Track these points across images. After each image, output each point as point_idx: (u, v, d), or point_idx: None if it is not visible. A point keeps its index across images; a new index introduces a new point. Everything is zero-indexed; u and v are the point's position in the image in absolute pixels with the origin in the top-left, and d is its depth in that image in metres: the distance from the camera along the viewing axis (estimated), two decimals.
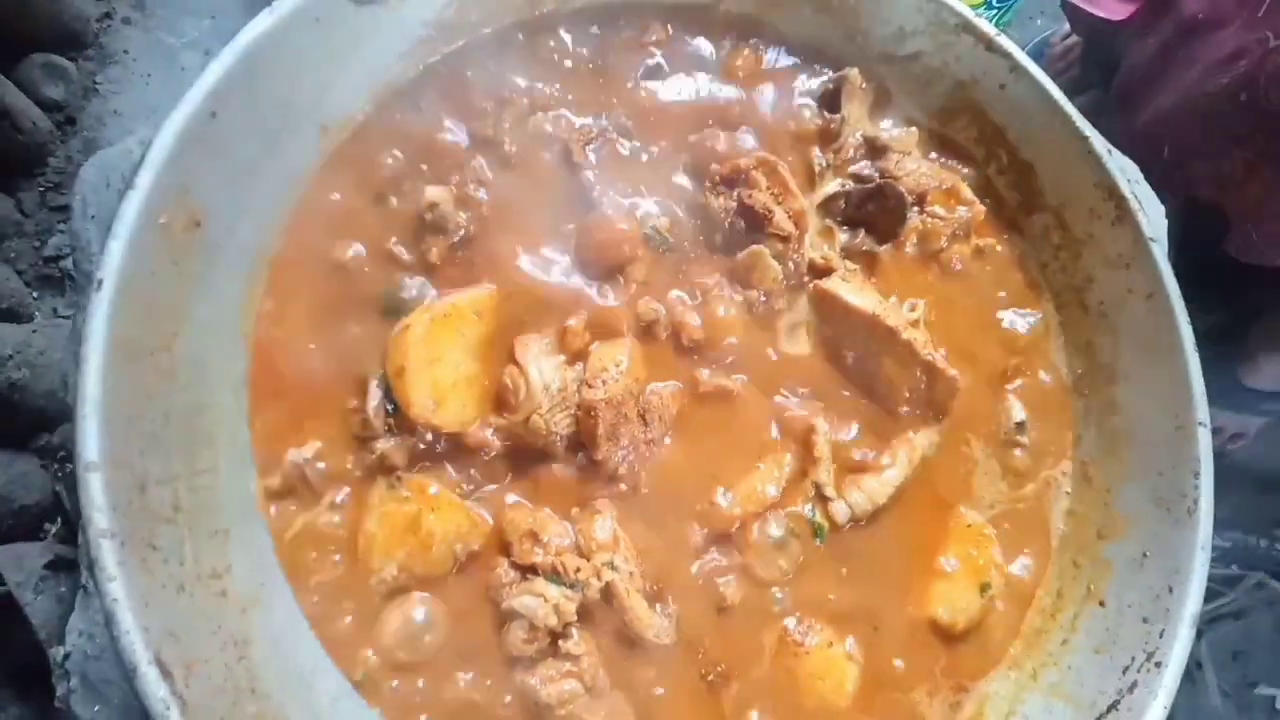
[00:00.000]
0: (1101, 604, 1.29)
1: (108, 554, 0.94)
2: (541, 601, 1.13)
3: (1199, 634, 1.16)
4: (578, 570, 1.14)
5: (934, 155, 1.53)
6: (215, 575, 1.10)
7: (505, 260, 1.31)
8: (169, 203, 1.08)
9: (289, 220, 1.27)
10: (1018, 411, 1.40)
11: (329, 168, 1.30)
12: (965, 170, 1.53)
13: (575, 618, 1.12)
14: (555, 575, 1.14)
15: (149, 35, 2.74)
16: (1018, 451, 1.40)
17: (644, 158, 1.40)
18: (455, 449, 1.21)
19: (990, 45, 1.44)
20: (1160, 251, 1.34)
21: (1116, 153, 1.41)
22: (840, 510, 1.28)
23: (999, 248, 1.50)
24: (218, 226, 1.16)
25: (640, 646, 1.18)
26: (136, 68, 2.49)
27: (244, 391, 1.21)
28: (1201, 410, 1.27)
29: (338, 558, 1.19)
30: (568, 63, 1.43)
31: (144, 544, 1.00)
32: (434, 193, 1.28)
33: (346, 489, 1.20)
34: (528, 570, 1.15)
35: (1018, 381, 1.43)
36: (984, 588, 1.30)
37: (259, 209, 1.22)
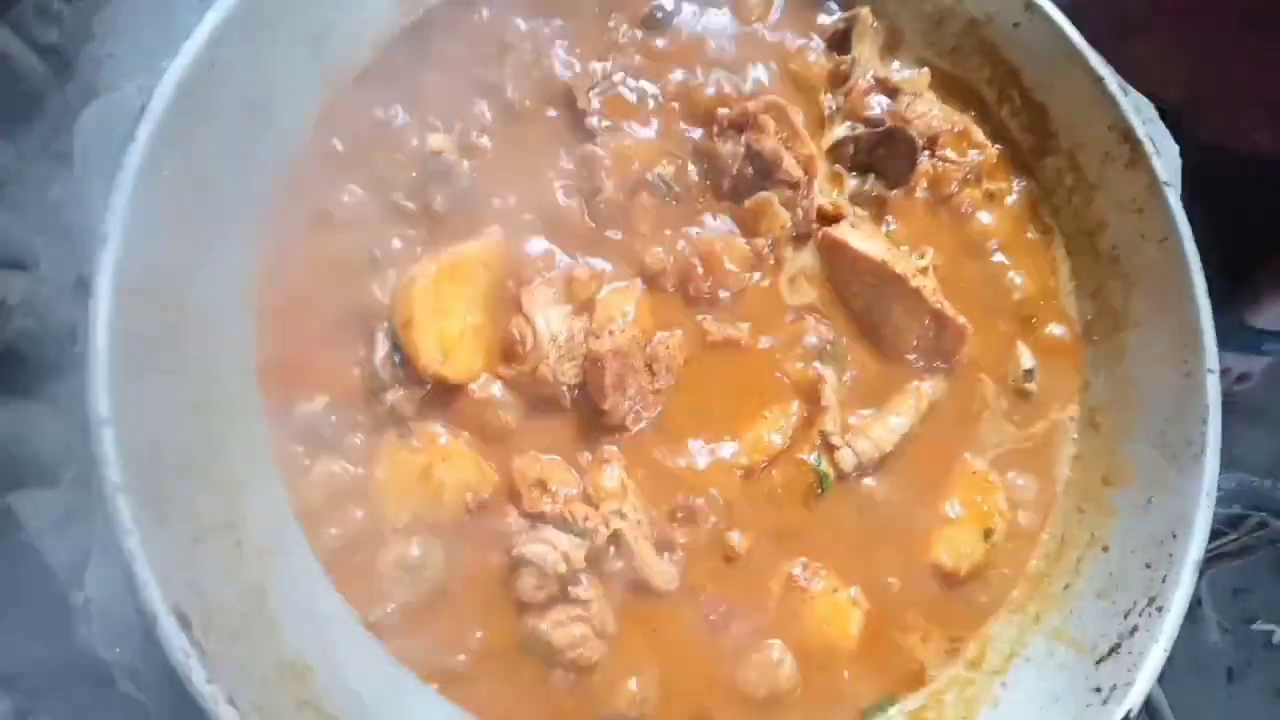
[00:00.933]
0: (1105, 549, 1.30)
1: (123, 508, 0.95)
2: (551, 549, 1.15)
3: (1199, 572, 1.17)
4: (586, 518, 1.14)
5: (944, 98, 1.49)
6: (230, 525, 1.11)
7: (511, 209, 1.29)
8: (171, 156, 1.07)
9: (291, 171, 1.25)
10: (1026, 358, 1.39)
11: (329, 116, 1.28)
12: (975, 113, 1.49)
13: (584, 565, 1.13)
14: (564, 523, 1.14)
15: None
16: (1026, 398, 1.39)
17: (650, 103, 1.37)
18: (463, 399, 1.22)
19: None
20: (1174, 196, 1.32)
21: (1133, 92, 1.37)
22: (847, 458, 1.28)
23: (1010, 193, 1.47)
24: (221, 178, 1.15)
25: (648, 591, 1.20)
26: (131, 7, 2.43)
27: (252, 341, 1.22)
28: (1211, 357, 1.26)
29: (351, 507, 1.20)
30: (573, 3, 1.38)
31: (159, 496, 1.01)
32: (436, 140, 1.26)
33: (358, 438, 1.21)
34: (537, 519, 1.16)
35: (1027, 328, 1.42)
36: (988, 533, 1.32)
37: (260, 159, 1.21)
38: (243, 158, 1.18)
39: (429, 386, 1.20)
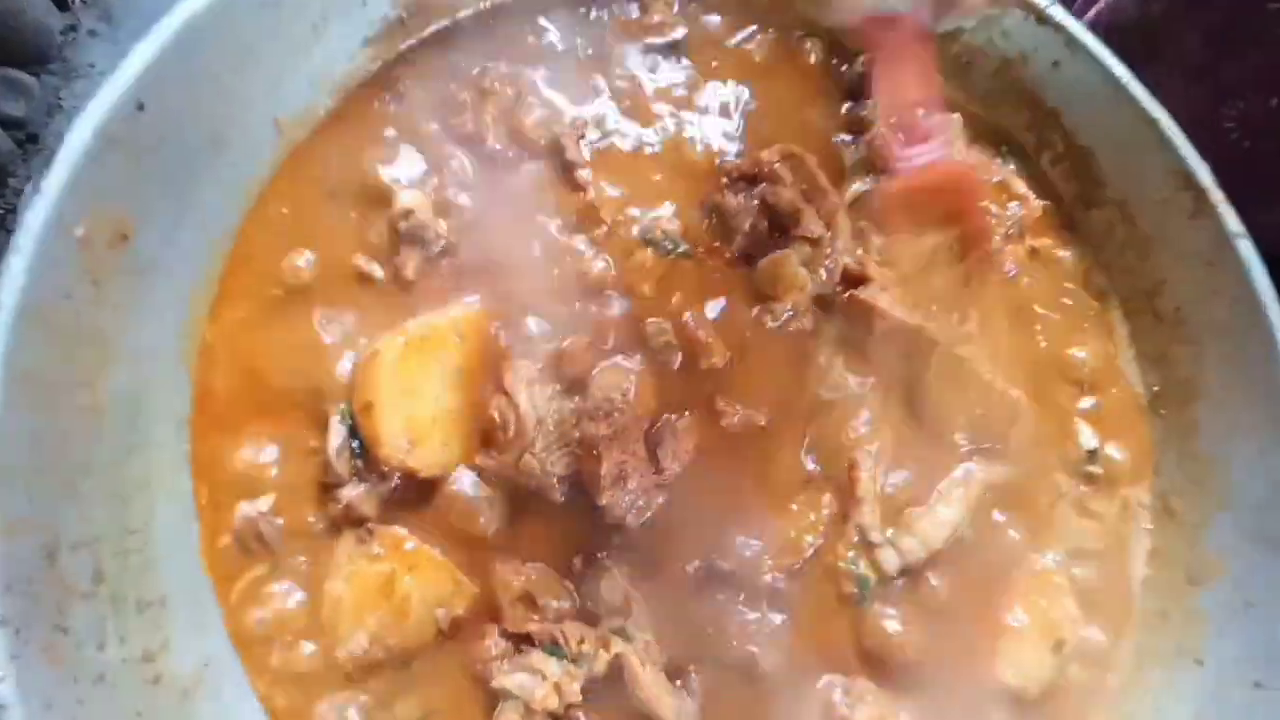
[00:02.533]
0: (1198, 662, 1.10)
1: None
2: (539, 679, 0.97)
3: None
4: (581, 641, 1.00)
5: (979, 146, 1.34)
6: (147, 658, 0.93)
7: (491, 274, 1.14)
8: (86, 211, 0.91)
9: (238, 232, 1.11)
10: (1088, 438, 1.22)
11: (285, 170, 1.14)
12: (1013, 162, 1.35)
13: (580, 697, 0.98)
14: (555, 646, 0.99)
15: (116, 48, 2.56)
16: (1089, 485, 1.21)
17: (647, 150, 1.22)
18: (434, 496, 1.04)
19: (1041, 18, 1.27)
20: (1248, 248, 1.16)
21: None
22: (889, 558, 1.10)
23: (1057, 249, 1.31)
24: (150, 239, 1.00)
25: None
26: (103, 82, 2.30)
27: (186, 428, 1.05)
28: None
29: (298, 628, 1.02)
30: (559, 47, 1.25)
31: (50, 627, 0.83)
32: (408, 198, 1.12)
33: (308, 546, 1.04)
34: (522, 640, 1.01)
35: (1086, 402, 1.24)
36: (1058, 645, 1.12)
37: (201, 219, 1.06)
38: (179, 216, 1.03)
39: (394, 481, 1.04)
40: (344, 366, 1.08)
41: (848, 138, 1.30)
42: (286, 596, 1.02)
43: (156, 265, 1.01)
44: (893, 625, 1.10)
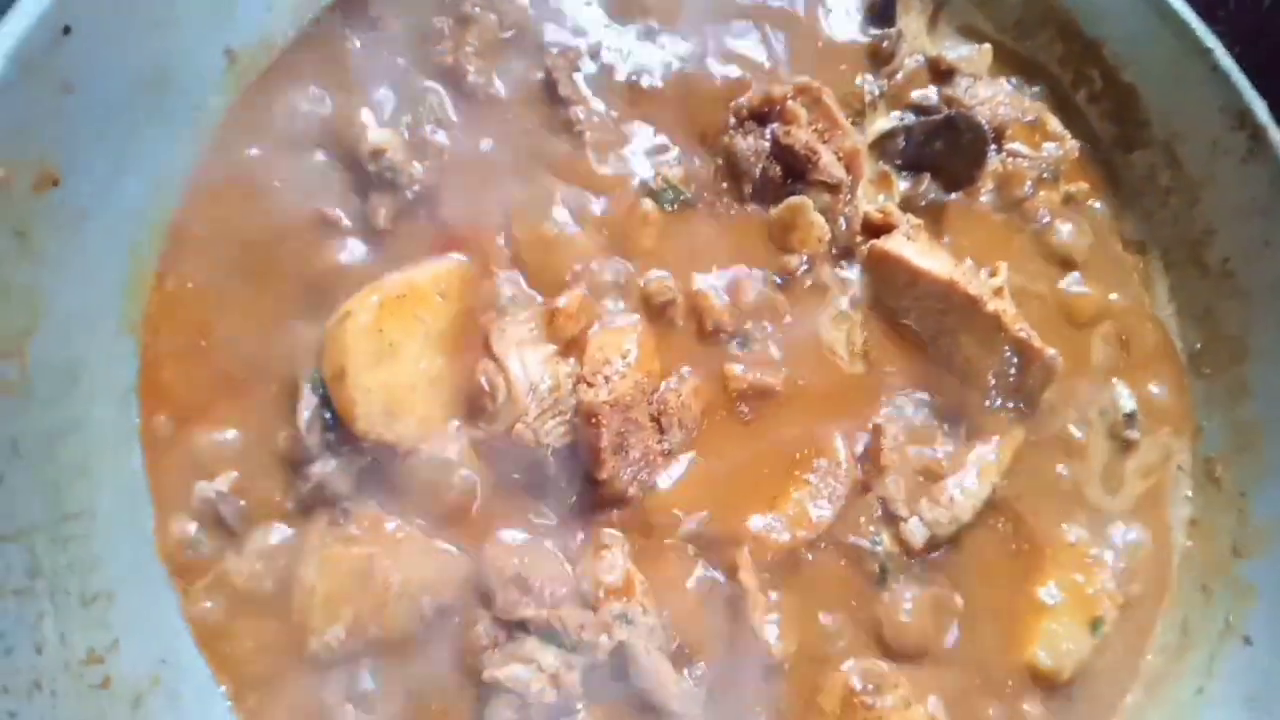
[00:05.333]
0: (1247, 640, 1.03)
1: None
2: (534, 670, 0.91)
3: None
4: (581, 626, 0.92)
5: (1010, 80, 1.23)
6: (93, 659, 0.85)
7: (475, 223, 1.04)
8: (3, 151, 0.79)
9: (188, 177, 1.01)
10: (1126, 400, 1.13)
11: (240, 108, 1.04)
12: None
13: (580, 688, 0.91)
14: (551, 633, 0.91)
15: None
16: (1126, 450, 1.13)
17: (646, 84, 1.10)
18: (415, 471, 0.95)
19: None
20: None
21: None
22: (915, 532, 1.03)
23: (1094, 196, 1.21)
24: (83, 186, 0.91)
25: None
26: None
27: (133, 402, 0.97)
28: None
29: (266, 620, 0.94)
30: None
31: None
32: (379, 136, 1.02)
33: (276, 528, 0.96)
34: (515, 627, 0.93)
35: (1123, 361, 1.17)
36: (1095, 624, 1.05)
37: (143, 164, 0.97)
38: (118, 159, 0.93)
39: (370, 455, 0.95)
40: (312, 329, 0.98)
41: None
42: (252, 585, 0.94)
43: (92, 216, 0.91)
44: (916, 604, 1.02)
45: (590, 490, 0.98)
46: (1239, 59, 1.11)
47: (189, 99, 0.99)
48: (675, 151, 1.11)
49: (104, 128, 0.90)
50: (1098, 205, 1.22)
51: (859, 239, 1.11)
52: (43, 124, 0.84)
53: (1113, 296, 1.19)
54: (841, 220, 1.09)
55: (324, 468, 0.94)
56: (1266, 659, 1.02)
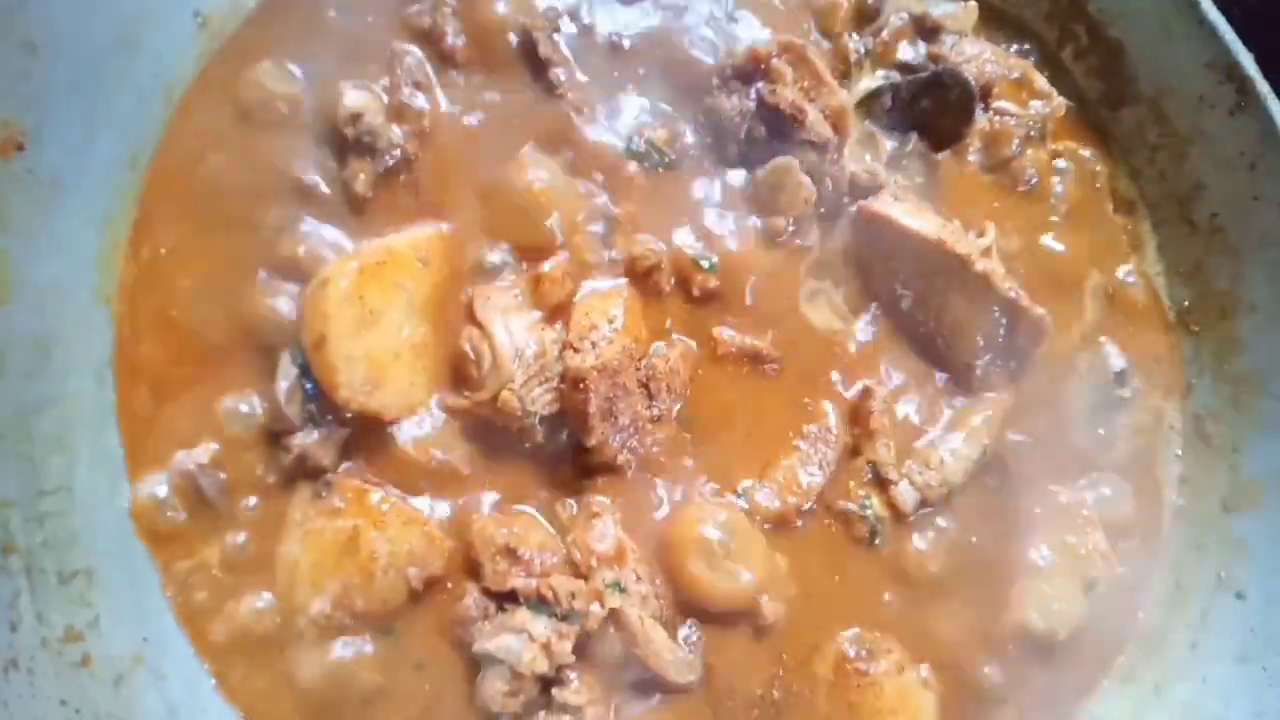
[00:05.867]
0: (1239, 595, 1.03)
1: None
2: (525, 640, 0.88)
3: None
4: (573, 595, 0.90)
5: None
6: (72, 637, 0.83)
7: (456, 188, 1.02)
8: None
9: (158, 145, 0.97)
10: (1115, 358, 1.12)
11: (210, 71, 1.00)
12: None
13: (572, 657, 0.89)
14: (542, 603, 0.89)
15: None
16: (1116, 408, 1.11)
17: (627, 44, 1.07)
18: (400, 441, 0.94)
19: None
20: None
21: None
22: (906, 495, 1.02)
23: (1081, 153, 1.19)
24: (51, 152, 0.89)
25: (659, 687, 0.93)
26: None
27: (109, 376, 0.94)
28: None
29: (251, 595, 0.92)
30: None
31: None
32: (355, 99, 0.99)
33: (257, 500, 0.94)
34: (505, 598, 0.91)
35: (1112, 319, 1.15)
36: (1089, 584, 1.03)
37: (113, 130, 0.93)
38: (87, 124, 0.90)
39: (353, 426, 0.93)
40: (291, 298, 0.95)
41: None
42: (235, 559, 0.92)
43: (61, 183, 0.89)
44: (908, 568, 1.01)
45: (579, 458, 0.96)
46: (1225, 10, 1.10)
47: (159, 62, 0.96)
48: (658, 113, 1.08)
49: (72, 91, 0.87)
50: (1085, 161, 1.20)
51: (846, 199, 1.08)
52: (5, 85, 0.81)
53: (1101, 255, 1.17)
54: (828, 180, 1.06)
55: (305, 439, 0.92)
56: (1259, 613, 1.01)
